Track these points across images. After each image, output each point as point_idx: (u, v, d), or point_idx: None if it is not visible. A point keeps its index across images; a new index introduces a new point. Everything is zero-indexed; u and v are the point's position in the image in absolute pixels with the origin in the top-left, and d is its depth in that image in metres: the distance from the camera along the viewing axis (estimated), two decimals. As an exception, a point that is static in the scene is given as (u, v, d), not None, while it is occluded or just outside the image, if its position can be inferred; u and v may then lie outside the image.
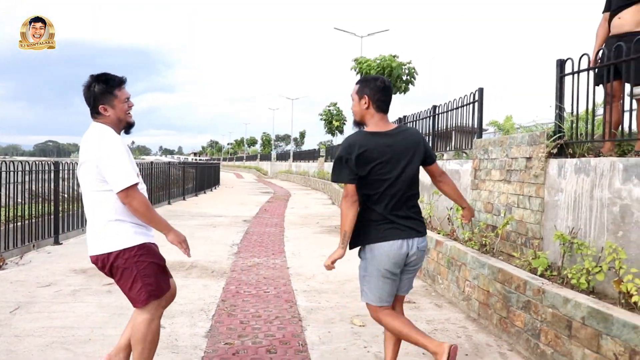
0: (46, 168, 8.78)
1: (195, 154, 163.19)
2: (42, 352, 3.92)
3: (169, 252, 7.92)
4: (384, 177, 3.12)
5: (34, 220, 8.29)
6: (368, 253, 3.21)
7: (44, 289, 5.77)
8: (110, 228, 2.96)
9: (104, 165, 2.88)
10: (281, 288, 5.93)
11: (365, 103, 3.23)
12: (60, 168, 9.25)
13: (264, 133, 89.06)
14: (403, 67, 19.54)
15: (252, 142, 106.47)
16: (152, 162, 16.57)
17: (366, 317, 4.82)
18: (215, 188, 27.32)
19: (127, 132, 3.17)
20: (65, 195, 9.52)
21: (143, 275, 2.97)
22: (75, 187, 10.09)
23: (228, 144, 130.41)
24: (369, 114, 3.24)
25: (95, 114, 3.04)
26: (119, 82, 3.06)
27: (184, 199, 19.10)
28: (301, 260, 7.58)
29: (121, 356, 3.23)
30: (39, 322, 4.61)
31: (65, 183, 9.60)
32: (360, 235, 3.23)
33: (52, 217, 8.81)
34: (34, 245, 8.14)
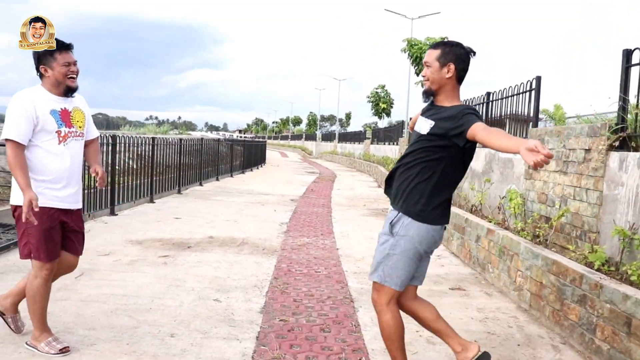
0: (104, 141, 9.05)
1: (240, 131, 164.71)
2: (108, 318, 4.13)
3: (222, 228, 8.18)
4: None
5: (92, 191, 8.62)
6: (414, 230, 2.94)
7: (103, 257, 6.03)
8: (13, 183, 3.28)
9: (5, 118, 3.24)
10: (332, 269, 6.04)
11: (449, 72, 2.91)
12: (117, 142, 9.55)
13: (310, 112, 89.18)
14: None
15: (297, 121, 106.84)
16: (202, 138, 16.89)
17: (416, 302, 4.90)
18: (261, 166, 27.64)
19: (70, 95, 3.39)
20: (119, 169, 9.84)
21: (28, 234, 3.26)
22: (128, 161, 10.43)
23: (273, 122, 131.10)
24: (449, 85, 2.95)
25: (40, 76, 3.34)
26: (62, 45, 3.30)
27: (231, 175, 19.42)
28: (350, 242, 7.67)
29: (8, 301, 3.62)
30: (102, 289, 4.85)
31: (120, 156, 9.92)
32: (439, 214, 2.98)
33: (108, 188, 9.12)
34: (89, 215, 8.47)
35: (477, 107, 9.04)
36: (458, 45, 2.98)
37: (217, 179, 17.39)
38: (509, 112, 7.66)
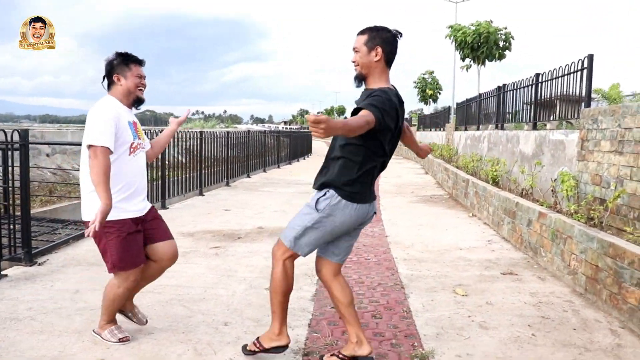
0: (152, 137, 9.27)
1: (285, 122, 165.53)
2: (163, 308, 4.26)
3: (271, 218, 8.28)
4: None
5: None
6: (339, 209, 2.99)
7: (159, 250, 6.18)
8: (87, 197, 3.27)
9: (86, 126, 3.21)
10: (381, 256, 6.05)
11: (377, 55, 2.96)
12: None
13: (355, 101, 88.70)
14: (499, 32, 18.82)
15: (342, 110, 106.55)
16: (248, 131, 17.09)
17: (468, 287, 4.86)
18: (308, 156, 27.78)
19: (137, 107, 3.47)
20: (168, 163, 10.08)
21: (109, 248, 3.27)
22: (177, 156, 10.65)
23: (318, 112, 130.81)
24: (378, 68, 3.01)
25: (110, 85, 3.38)
26: (137, 60, 3.40)
27: (278, 166, 19.61)
28: (398, 229, 7.65)
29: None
30: (157, 281, 4.93)
31: (169, 151, 10.14)
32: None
33: (159, 182, 9.35)
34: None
35: (525, 89, 8.84)
36: (384, 29, 3.02)
37: (264, 171, 17.58)
38: (559, 93, 7.45)
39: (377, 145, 2.97)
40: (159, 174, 9.38)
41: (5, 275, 4.98)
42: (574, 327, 3.94)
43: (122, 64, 3.35)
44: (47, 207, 9.02)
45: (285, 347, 3.25)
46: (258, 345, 3.26)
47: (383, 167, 3.15)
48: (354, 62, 3.05)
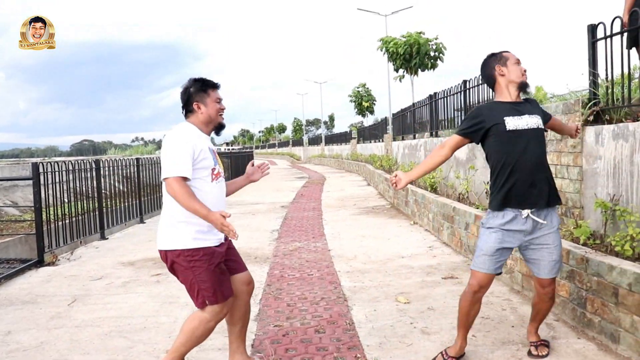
0: (87, 167, 9.02)
1: (227, 143, 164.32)
2: (102, 341, 4.11)
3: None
4: None
5: (80, 217, 8.59)
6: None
7: (96, 282, 6.00)
8: (172, 226, 3.05)
9: (161, 157, 3.04)
10: (324, 270, 6.05)
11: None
12: (101, 166, 9.52)
13: (294, 119, 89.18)
14: (430, 43, 19.33)
15: (282, 128, 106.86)
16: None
17: (410, 294, 4.91)
18: (250, 176, 27.56)
19: (218, 133, 3.31)
20: (106, 192, 9.81)
21: (199, 281, 3.04)
22: (114, 184, 10.39)
23: (259, 131, 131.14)
24: None
25: (187, 112, 3.20)
26: (214, 84, 3.24)
27: (221, 188, 19.38)
28: (342, 242, 7.68)
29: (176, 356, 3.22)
30: (96, 313, 4.83)
31: (106, 180, 9.89)
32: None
33: (97, 213, 9.09)
34: (81, 242, 8.44)
35: (455, 96, 9.10)
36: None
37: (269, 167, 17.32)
38: (485, 98, 7.69)
39: None
40: (96, 204, 9.11)
41: None
42: (512, 325, 4.04)
43: (200, 90, 3.18)
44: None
45: None
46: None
47: None
48: (525, 70, 3.34)
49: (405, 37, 19.19)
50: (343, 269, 6.07)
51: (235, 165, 23.90)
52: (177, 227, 3.04)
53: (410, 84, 19.73)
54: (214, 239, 3.12)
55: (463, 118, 8.79)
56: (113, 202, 10.04)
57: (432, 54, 19.24)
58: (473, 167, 7.56)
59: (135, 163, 11.32)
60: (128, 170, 11.07)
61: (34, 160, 12.95)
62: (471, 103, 8.43)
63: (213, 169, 3.15)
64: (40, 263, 7.03)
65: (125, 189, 10.83)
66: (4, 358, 3.82)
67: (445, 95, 9.63)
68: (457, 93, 8.95)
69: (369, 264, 6.27)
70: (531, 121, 3.20)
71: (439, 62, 19.57)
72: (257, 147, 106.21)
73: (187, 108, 3.20)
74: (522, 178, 3.14)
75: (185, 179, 2.96)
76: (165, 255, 3.09)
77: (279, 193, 16.63)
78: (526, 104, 3.32)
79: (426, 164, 3.46)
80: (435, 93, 10.43)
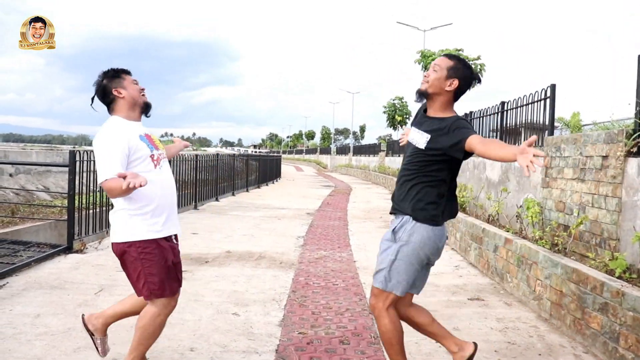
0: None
1: (255, 146, 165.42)
2: (128, 333, 4.12)
3: (239, 242, 8.21)
4: None
5: (109, 208, 8.71)
6: (416, 235, 3.04)
7: (122, 273, 6.05)
8: (119, 218, 3.04)
9: (95, 159, 3.00)
10: (349, 281, 6.04)
11: (451, 85, 3.03)
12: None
13: (323, 126, 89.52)
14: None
15: (311, 135, 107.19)
16: (217, 154, 17.00)
17: (435, 313, 4.86)
18: (276, 180, 27.72)
19: (147, 114, 3.23)
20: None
21: (147, 273, 3.00)
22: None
23: (287, 137, 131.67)
24: (446, 97, 3.07)
25: (111, 103, 3.12)
26: (125, 70, 3.19)
27: (247, 190, 19.50)
28: (367, 254, 7.66)
29: (100, 321, 3.36)
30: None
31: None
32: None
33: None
34: (107, 232, 8.56)
35: (492, 117, 9.03)
36: (469, 68, 3.13)
37: (233, 194, 17.47)
38: (524, 121, 7.63)
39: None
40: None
41: (-39, 300, 4.82)
42: (539, 353, 3.98)
43: (114, 77, 3.12)
44: (8, 228, 8.77)
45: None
46: None
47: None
48: (425, 75, 3.13)
49: (444, 54, 19.07)
50: (368, 281, 6.04)
51: (264, 168, 24.02)
52: (131, 220, 3.01)
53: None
54: (162, 230, 3.08)
55: (498, 139, 8.77)
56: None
57: (470, 73, 19.09)
58: (505, 189, 7.48)
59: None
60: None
61: (66, 147, 13.17)
62: (508, 125, 8.36)
63: (152, 156, 3.09)
64: (69, 250, 7.15)
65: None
66: (33, 340, 3.90)
67: (482, 115, 9.57)
68: (494, 114, 8.88)
69: (394, 278, 6.23)
70: (416, 137, 3.11)
71: (476, 82, 19.43)
72: (284, 152, 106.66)
73: (108, 100, 3.13)
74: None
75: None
76: (117, 247, 3.05)
77: (305, 200, 16.66)
78: (433, 121, 3.10)
79: None
80: (470, 112, 10.36)
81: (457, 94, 3.10)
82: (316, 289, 5.62)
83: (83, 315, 3.42)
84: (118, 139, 2.94)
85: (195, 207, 13.11)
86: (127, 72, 3.19)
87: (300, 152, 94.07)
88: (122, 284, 5.59)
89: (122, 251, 3.03)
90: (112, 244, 3.10)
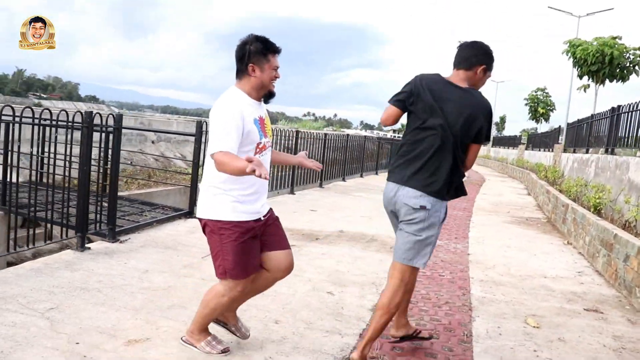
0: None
1: (394, 131, 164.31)
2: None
3: (355, 223, 8.20)
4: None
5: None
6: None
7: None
8: (210, 193, 2.99)
9: (210, 130, 2.93)
10: (457, 274, 5.78)
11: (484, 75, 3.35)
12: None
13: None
14: (627, 53, 17.39)
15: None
16: (347, 135, 17.09)
17: (542, 319, 4.51)
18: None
19: (267, 101, 3.12)
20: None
21: (222, 252, 2.97)
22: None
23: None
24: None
25: (240, 73, 3.00)
26: (275, 49, 3.00)
27: (376, 173, 19.46)
28: (484, 248, 7.29)
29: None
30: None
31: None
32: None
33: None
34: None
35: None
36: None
37: (362, 176, 17.51)
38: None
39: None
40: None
41: (89, 248, 5.28)
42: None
43: (259, 53, 2.94)
44: (143, 190, 9.48)
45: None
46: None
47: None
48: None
49: (598, 43, 17.42)
50: (477, 276, 5.75)
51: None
52: (216, 198, 2.97)
53: (595, 94, 18.07)
54: (252, 211, 3.02)
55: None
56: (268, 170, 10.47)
57: (627, 64, 17.33)
58: (648, 194, 6.72)
59: (294, 135, 11.69)
60: (289, 142, 11.45)
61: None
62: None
63: (258, 144, 3.00)
64: (190, 214, 7.55)
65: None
66: (136, 292, 4.17)
67: (632, 109, 8.65)
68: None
69: (507, 276, 5.87)
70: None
71: (633, 75, 17.61)
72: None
73: (240, 67, 2.98)
74: None
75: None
76: (204, 222, 3.04)
77: (432, 187, 16.23)
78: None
79: None
80: (619, 106, 9.42)
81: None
82: (420, 278, 5.44)
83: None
84: (238, 115, 2.87)
85: (321, 185, 13.30)
86: (275, 52, 3.02)
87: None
88: (231, 250, 5.80)
89: (205, 223, 3.04)
90: (200, 219, 3.07)
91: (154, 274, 4.67)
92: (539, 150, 23.59)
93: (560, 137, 19.49)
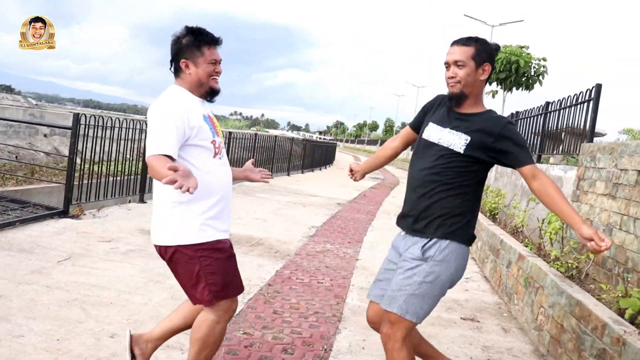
0: (138, 127, 8.77)
1: (320, 132, 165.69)
2: (59, 308, 3.80)
3: (246, 226, 7.74)
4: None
5: (124, 177, 8.48)
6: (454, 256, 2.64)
7: (101, 244, 5.74)
8: (174, 214, 2.51)
9: (147, 131, 2.48)
10: (338, 281, 5.45)
11: (484, 72, 2.60)
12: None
13: (387, 119, 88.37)
14: (532, 63, 17.89)
15: (375, 126, 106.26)
16: (255, 134, 16.64)
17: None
18: (326, 167, 27.27)
19: (210, 99, 2.69)
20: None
21: (207, 274, 2.50)
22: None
23: (353, 126, 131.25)
24: (481, 88, 2.67)
25: (177, 71, 2.61)
26: (212, 39, 2.60)
27: (288, 174, 19.12)
28: (374, 253, 7.04)
29: (149, 346, 2.79)
30: (75, 277, 4.53)
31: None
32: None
33: (139, 175, 8.92)
34: (116, 200, 8.32)
35: (535, 119, 8.18)
36: (487, 41, 2.67)
37: (271, 177, 17.09)
38: (566, 125, 6.78)
39: None
40: (137, 167, 8.94)
41: None
42: (515, 397, 3.30)
43: (192, 46, 2.56)
44: (21, 186, 8.64)
45: None
46: None
47: None
48: (452, 77, 2.60)
49: (506, 51, 17.83)
50: (359, 283, 5.45)
51: (312, 154, 23.56)
52: (177, 212, 2.51)
53: (502, 101, 18.52)
54: (222, 231, 2.59)
55: (539, 143, 7.92)
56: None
57: (532, 73, 17.85)
58: (534, 199, 6.67)
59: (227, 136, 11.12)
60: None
61: (138, 117, 13.20)
62: (550, 128, 7.50)
63: (213, 142, 2.58)
64: (64, 214, 6.90)
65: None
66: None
67: (526, 116, 8.69)
68: (537, 115, 8.01)
69: (390, 284, 5.60)
70: (448, 138, 2.60)
71: (537, 85, 18.16)
72: (347, 141, 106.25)
73: (176, 65, 2.59)
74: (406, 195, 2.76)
75: (168, 158, 2.34)
76: (162, 250, 2.55)
77: (343, 189, 16.07)
78: (469, 118, 2.61)
79: (376, 156, 3.11)
80: (516, 112, 9.49)
81: (489, 78, 2.68)
82: (295, 285, 5.08)
83: (131, 333, 2.80)
84: (178, 112, 2.45)
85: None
86: (211, 43, 2.61)
87: (362, 142, 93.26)
88: (93, 255, 5.26)
89: (173, 252, 2.52)
90: (157, 246, 2.58)
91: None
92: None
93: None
